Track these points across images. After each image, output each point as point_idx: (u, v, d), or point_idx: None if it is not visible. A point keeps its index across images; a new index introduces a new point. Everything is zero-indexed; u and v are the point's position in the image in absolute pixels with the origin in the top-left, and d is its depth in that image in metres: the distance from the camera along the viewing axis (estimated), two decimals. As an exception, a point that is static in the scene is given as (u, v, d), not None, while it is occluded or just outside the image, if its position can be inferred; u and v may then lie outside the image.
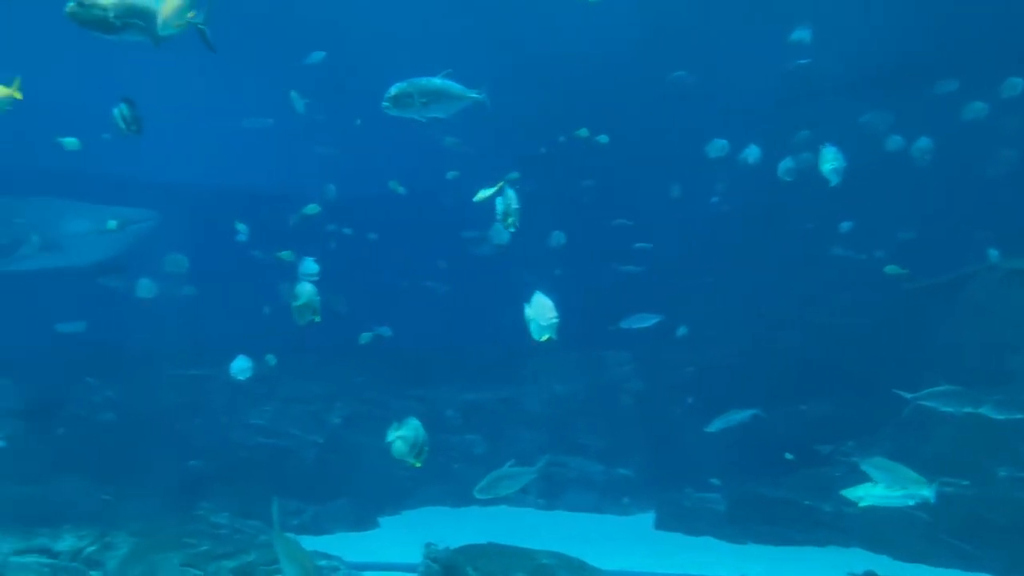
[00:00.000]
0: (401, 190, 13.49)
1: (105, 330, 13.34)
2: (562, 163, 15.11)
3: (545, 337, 6.22)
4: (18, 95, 6.47)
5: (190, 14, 5.99)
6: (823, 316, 13.87)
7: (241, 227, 12.44)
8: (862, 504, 7.72)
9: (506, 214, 6.97)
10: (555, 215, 13.54)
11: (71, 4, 5.47)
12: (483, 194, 8.07)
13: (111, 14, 5.53)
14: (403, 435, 6.18)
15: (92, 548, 8.88)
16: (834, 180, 8.70)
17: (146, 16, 5.69)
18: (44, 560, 8.89)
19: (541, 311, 6.26)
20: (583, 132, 13.63)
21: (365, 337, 12.56)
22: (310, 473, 13.58)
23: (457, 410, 15.08)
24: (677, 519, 12.80)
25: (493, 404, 15.40)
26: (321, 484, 13.24)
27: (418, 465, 6.15)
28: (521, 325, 6.43)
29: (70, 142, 9.17)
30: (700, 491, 12.90)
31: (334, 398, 14.86)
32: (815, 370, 13.07)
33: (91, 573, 8.60)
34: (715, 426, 11.33)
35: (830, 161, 8.68)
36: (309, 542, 10.35)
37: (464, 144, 14.44)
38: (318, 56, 13.00)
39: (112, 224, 12.41)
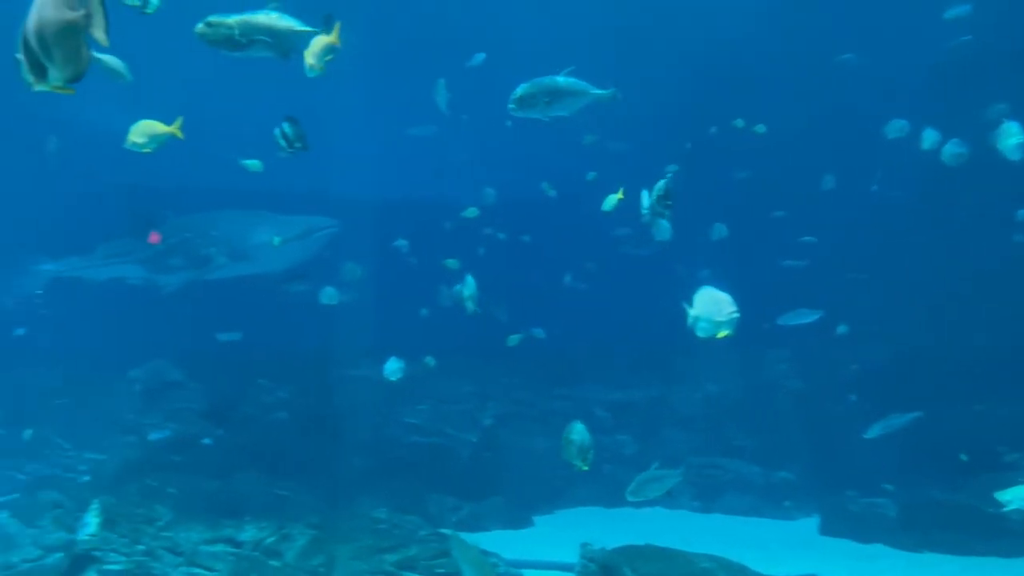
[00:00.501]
0: (552, 192, 13.60)
1: (278, 334, 14.29)
2: (712, 156, 14.77)
3: (722, 334, 5.90)
4: (179, 135, 6.94)
5: (329, 58, 6.35)
6: (999, 310, 12.83)
7: (401, 240, 12.94)
8: (1009, 508, 7.13)
9: (661, 200, 6.84)
10: (706, 210, 13.27)
11: (200, 25, 5.79)
12: (612, 200, 8.03)
13: (236, 32, 5.79)
14: (571, 439, 6.22)
15: (271, 539, 9.49)
16: (1017, 156, 8.09)
17: (271, 32, 5.92)
18: (230, 549, 9.59)
19: (717, 306, 5.91)
20: (739, 123, 13.30)
21: (514, 339, 12.75)
22: (465, 471, 13.91)
23: (607, 410, 15.04)
24: (844, 524, 12.20)
25: (644, 404, 15.25)
26: (476, 482, 13.55)
27: (585, 468, 6.18)
28: (672, 322, 6.29)
29: (253, 164, 9.83)
30: (867, 495, 12.25)
31: (486, 398, 15.19)
32: (991, 368, 12.12)
33: (271, 562, 9.18)
34: (874, 431, 10.75)
35: (1014, 135, 8.09)
36: (467, 538, 10.68)
37: (609, 141, 14.42)
38: (479, 58, 13.18)
39: (276, 240, 13.14)
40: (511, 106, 7.05)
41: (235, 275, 14.05)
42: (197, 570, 9.44)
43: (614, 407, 15.14)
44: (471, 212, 13.51)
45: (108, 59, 7.48)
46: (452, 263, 10.02)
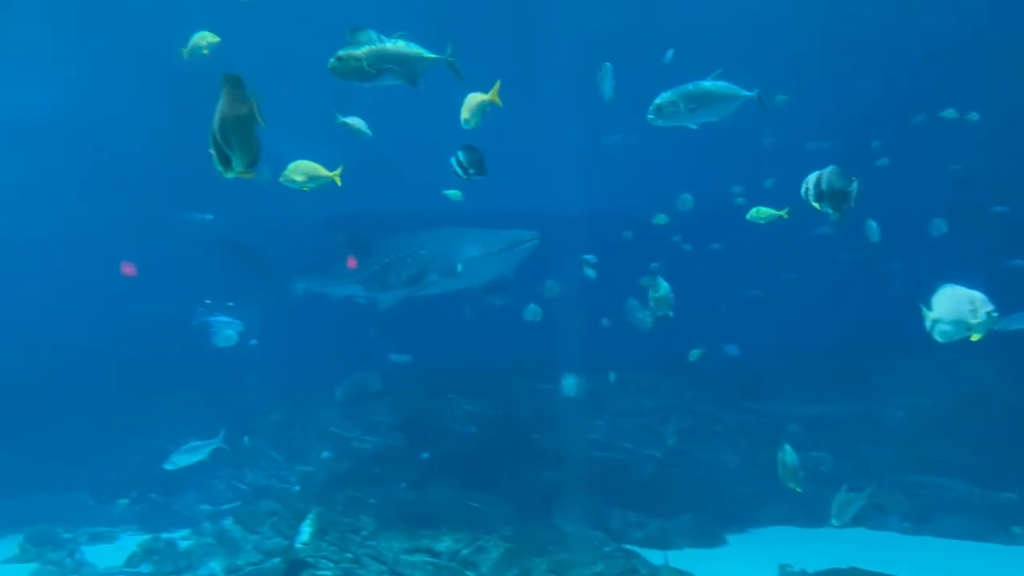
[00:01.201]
0: (741, 200, 13.19)
1: (469, 348, 14.78)
2: (922, 148, 13.80)
3: (975, 337, 5.26)
4: (338, 182, 7.32)
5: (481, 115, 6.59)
6: None
7: (589, 257, 13.00)
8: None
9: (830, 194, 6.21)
10: (917, 205, 12.41)
11: (331, 61, 6.03)
12: (759, 214, 7.58)
13: (365, 63, 6.00)
14: (785, 462, 6.00)
15: (467, 551, 9.80)
16: None
17: (399, 60, 6.11)
18: (428, 559, 10.01)
19: (966, 306, 5.25)
20: (950, 112, 12.37)
21: (695, 354, 12.44)
22: (649, 486, 13.72)
23: (801, 425, 14.33)
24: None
25: (841, 418, 14.40)
26: (662, 498, 13.31)
27: (799, 490, 5.93)
28: (875, 329, 5.87)
29: (454, 194, 10.42)
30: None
31: (668, 411, 14.92)
32: None
33: (467, 573, 9.49)
34: None
35: None
36: (654, 556, 10.52)
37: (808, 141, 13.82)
38: (669, 55, 12.98)
39: (459, 268, 13.60)
40: (650, 116, 6.92)
41: (444, 291, 14.45)
42: (399, 578, 9.93)
43: (808, 422, 14.40)
44: (661, 219, 13.32)
45: (352, 120, 8.12)
46: (646, 281, 9.88)
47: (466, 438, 13.59)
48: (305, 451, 15.87)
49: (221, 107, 3.57)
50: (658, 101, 6.87)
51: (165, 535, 13.38)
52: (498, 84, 6.93)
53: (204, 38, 9.43)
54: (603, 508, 12.63)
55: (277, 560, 10.87)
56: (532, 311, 12.22)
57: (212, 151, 3.73)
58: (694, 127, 7.00)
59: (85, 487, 15.85)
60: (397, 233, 14.89)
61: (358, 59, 6.01)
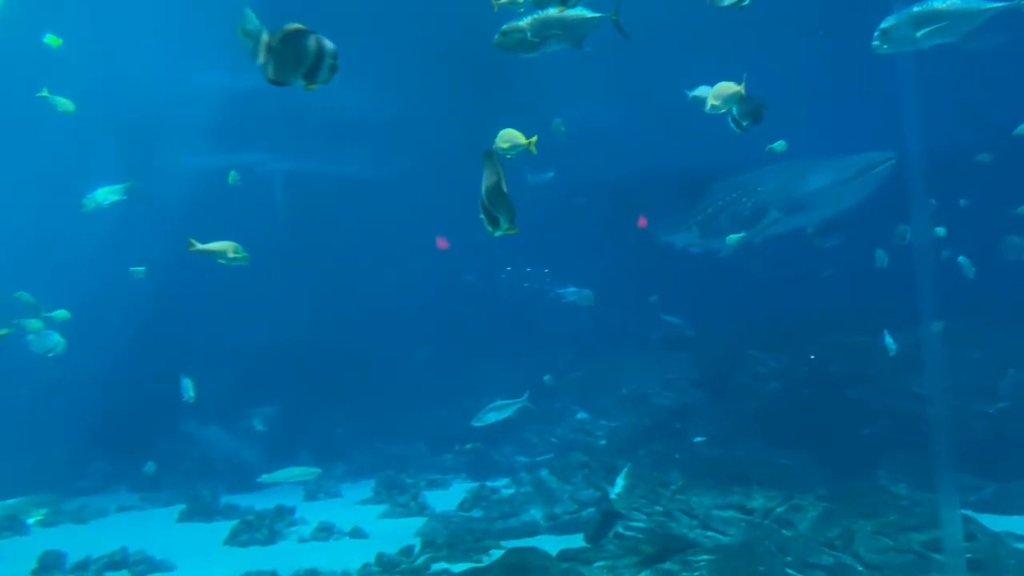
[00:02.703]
0: None
1: (766, 302, 14.30)
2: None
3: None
4: (533, 150, 7.28)
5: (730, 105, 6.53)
6: None
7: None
8: None
9: None
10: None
11: (496, 37, 6.00)
12: None
13: (529, 33, 5.97)
14: None
15: (780, 509, 9.58)
16: None
17: (562, 25, 5.98)
18: (740, 516, 9.94)
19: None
20: None
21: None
22: (983, 446, 12.37)
23: None
24: None
25: None
26: (998, 459, 11.97)
27: None
28: None
29: (779, 145, 10.58)
30: None
31: (1005, 365, 13.30)
32: None
33: (784, 532, 9.28)
34: None
35: None
36: (992, 521, 9.51)
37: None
38: None
39: (805, 200, 12.78)
40: (875, 43, 6.36)
41: (789, 229, 13.74)
42: (711, 533, 9.98)
43: None
44: (983, 158, 11.89)
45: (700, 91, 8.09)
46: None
47: (770, 395, 13.20)
48: (607, 408, 16.47)
49: (485, 179, 4.30)
50: (884, 25, 6.34)
51: (489, 483, 14.70)
52: (745, 79, 6.90)
53: None
54: (932, 469, 11.61)
55: (592, 510, 11.46)
56: (880, 257, 11.47)
57: (482, 216, 4.45)
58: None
59: (422, 439, 17.92)
60: (733, 174, 14.34)
61: (522, 30, 6.07)
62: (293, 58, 4.32)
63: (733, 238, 12.84)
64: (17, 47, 14.23)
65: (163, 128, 18.33)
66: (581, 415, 16.59)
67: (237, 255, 7.86)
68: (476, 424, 12.77)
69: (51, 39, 12.50)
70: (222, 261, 7.84)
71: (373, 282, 19.10)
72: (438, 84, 17.27)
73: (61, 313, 12.54)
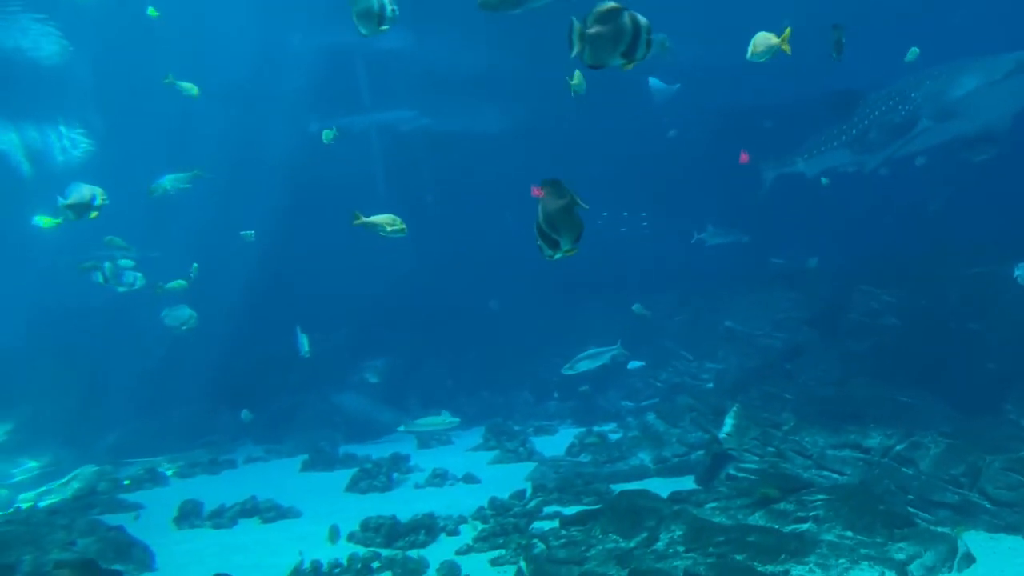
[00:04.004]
0: None
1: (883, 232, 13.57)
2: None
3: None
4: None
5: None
6: None
7: None
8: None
9: None
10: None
11: None
12: None
13: None
14: None
15: (900, 447, 9.24)
16: None
17: None
18: (857, 455, 9.64)
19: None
20: None
21: None
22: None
23: None
24: None
25: None
26: None
27: None
28: None
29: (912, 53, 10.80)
30: None
31: None
32: None
33: (904, 470, 8.96)
34: None
35: None
36: None
37: None
38: None
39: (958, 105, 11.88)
40: None
41: (943, 139, 12.82)
42: (827, 472, 9.74)
43: None
44: None
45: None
46: None
47: (886, 331, 12.63)
48: (713, 350, 16.21)
49: (545, 205, 4.21)
50: None
51: (596, 428, 14.81)
52: (788, 31, 6.79)
53: None
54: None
55: (701, 452, 11.37)
56: None
57: (540, 242, 4.33)
58: None
59: (527, 387, 18.19)
60: (888, 83, 13.40)
61: None
62: (611, 39, 4.29)
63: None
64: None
65: (264, 94, 18.90)
66: (686, 358, 16.39)
67: (395, 227, 8.10)
68: (567, 372, 12.74)
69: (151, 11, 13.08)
70: (382, 234, 8.10)
71: (477, 232, 19.33)
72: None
73: (178, 283, 13.27)
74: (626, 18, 4.26)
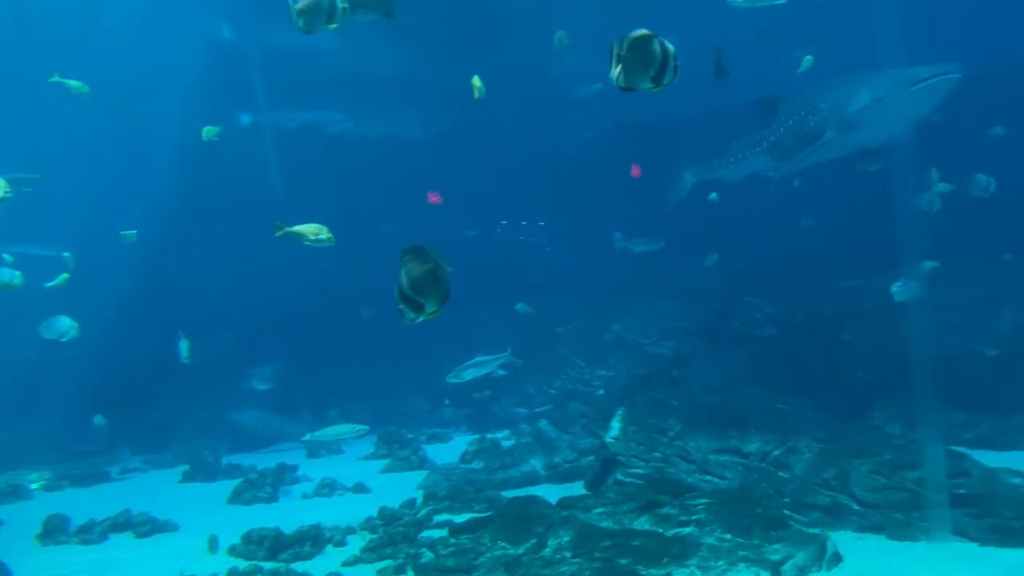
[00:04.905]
0: None
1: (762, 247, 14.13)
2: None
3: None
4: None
5: None
6: None
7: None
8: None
9: None
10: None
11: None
12: None
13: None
14: None
15: (777, 452, 9.65)
16: None
17: None
18: (737, 459, 10.02)
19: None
20: None
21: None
22: (979, 385, 12.44)
23: None
24: None
25: None
26: (993, 396, 12.04)
27: None
28: None
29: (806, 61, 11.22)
30: None
31: (1001, 303, 13.31)
32: None
33: (780, 474, 9.36)
34: None
35: None
36: (988, 457, 9.59)
37: None
38: None
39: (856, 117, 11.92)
40: None
41: (844, 152, 12.73)
42: (709, 477, 10.07)
43: None
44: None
45: None
46: None
47: (766, 340, 13.20)
48: (604, 357, 16.53)
49: (409, 270, 4.31)
50: None
51: (490, 435, 14.82)
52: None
53: None
54: (926, 408, 11.67)
55: (591, 458, 11.54)
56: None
57: (402, 305, 4.41)
58: None
59: (421, 394, 18.01)
60: (808, 88, 13.29)
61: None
62: (642, 64, 4.58)
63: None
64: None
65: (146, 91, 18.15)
66: (579, 365, 16.65)
67: (320, 236, 7.85)
68: (452, 380, 12.67)
69: None
70: (306, 243, 7.85)
71: (368, 240, 19.06)
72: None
73: (62, 278, 12.48)
74: (656, 45, 4.57)
